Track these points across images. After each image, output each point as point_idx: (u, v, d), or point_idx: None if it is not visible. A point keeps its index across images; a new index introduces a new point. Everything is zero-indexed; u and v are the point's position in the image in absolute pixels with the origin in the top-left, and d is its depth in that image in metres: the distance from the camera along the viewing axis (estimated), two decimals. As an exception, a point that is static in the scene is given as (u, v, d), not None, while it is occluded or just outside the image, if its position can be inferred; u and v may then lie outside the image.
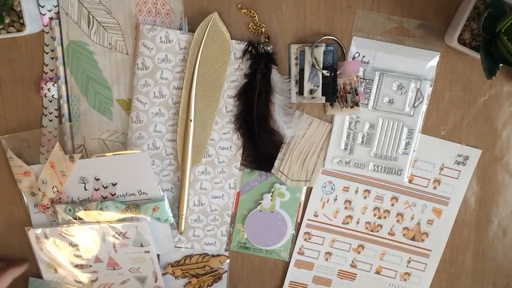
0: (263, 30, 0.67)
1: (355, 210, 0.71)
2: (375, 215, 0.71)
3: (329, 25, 0.67)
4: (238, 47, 0.67)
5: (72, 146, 0.70)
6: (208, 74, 0.67)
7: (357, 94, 0.67)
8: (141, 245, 0.70)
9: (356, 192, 0.71)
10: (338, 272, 0.73)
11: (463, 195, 0.70)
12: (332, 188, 0.70)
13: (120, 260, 0.71)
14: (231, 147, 0.69)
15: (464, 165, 0.69)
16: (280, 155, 0.69)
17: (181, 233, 0.71)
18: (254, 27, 0.67)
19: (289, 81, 0.68)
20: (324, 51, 0.66)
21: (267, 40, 0.67)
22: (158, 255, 0.72)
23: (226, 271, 0.73)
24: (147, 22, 0.67)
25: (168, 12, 0.67)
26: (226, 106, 0.68)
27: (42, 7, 0.67)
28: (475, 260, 0.73)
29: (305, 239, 0.72)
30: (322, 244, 0.72)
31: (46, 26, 0.68)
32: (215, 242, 0.72)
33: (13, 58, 0.69)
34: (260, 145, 0.68)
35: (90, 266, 0.71)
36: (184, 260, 0.73)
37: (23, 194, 0.71)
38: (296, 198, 0.70)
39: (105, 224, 0.69)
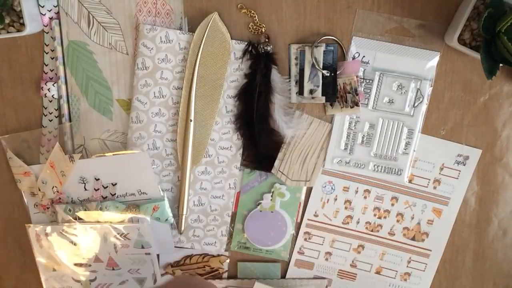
0: (263, 30, 0.67)
1: (355, 210, 0.71)
2: (375, 215, 0.71)
3: (329, 25, 0.67)
4: (238, 47, 0.67)
5: (72, 146, 0.70)
6: (208, 74, 0.67)
7: (357, 94, 0.67)
8: (142, 247, 0.70)
9: (356, 192, 0.70)
10: (338, 272, 0.73)
11: (463, 195, 0.70)
12: (332, 188, 0.70)
13: (120, 261, 0.71)
14: (231, 147, 0.69)
15: (464, 165, 0.69)
16: (280, 155, 0.69)
17: (181, 233, 0.71)
18: (254, 27, 0.67)
19: (289, 81, 0.68)
20: (324, 51, 0.66)
21: (267, 40, 0.67)
22: (158, 255, 0.72)
23: (226, 271, 0.73)
24: (147, 22, 0.67)
25: (168, 12, 0.67)
26: (226, 106, 0.68)
27: (42, 7, 0.67)
28: (475, 260, 0.73)
29: (305, 239, 0.72)
30: (322, 244, 0.72)
31: (46, 26, 0.68)
32: (215, 242, 0.72)
33: (13, 58, 0.69)
34: (260, 145, 0.68)
35: (90, 265, 0.71)
36: (184, 260, 0.73)
37: (23, 194, 0.71)
38: (296, 198, 0.70)
39: (107, 224, 0.69)
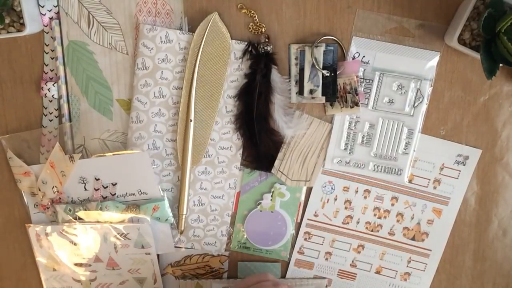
0: (263, 30, 0.67)
1: (355, 210, 0.71)
2: (375, 215, 0.71)
3: (329, 25, 0.67)
4: (238, 47, 0.67)
5: (72, 146, 0.70)
6: (208, 74, 0.67)
7: (357, 94, 0.67)
8: (142, 247, 0.70)
9: (356, 192, 0.71)
10: (338, 272, 0.73)
11: (463, 195, 0.70)
12: (332, 188, 0.70)
13: (120, 261, 0.71)
14: (231, 147, 0.69)
15: (464, 165, 0.69)
16: (280, 155, 0.69)
17: (181, 233, 0.71)
18: (254, 27, 0.67)
19: (289, 81, 0.68)
20: (324, 51, 0.66)
21: (267, 40, 0.67)
22: (158, 255, 0.72)
23: (226, 271, 0.73)
24: (147, 22, 0.67)
25: (168, 12, 0.67)
26: (226, 106, 0.68)
27: (42, 7, 0.67)
28: (475, 260, 0.73)
29: (305, 239, 0.72)
30: (322, 244, 0.72)
31: (46, 26, 0.68)
32: (215, 242, 0.72)
33: (13, 58, 0.69)
34: (260, 145, 0.68)
35: (90, 265, 0.71)
36: (184, 260, 0.73)
37: (23, 194, 0.71)
38: (296, 198, 0.70)
39: (107, 224, 0.69)
